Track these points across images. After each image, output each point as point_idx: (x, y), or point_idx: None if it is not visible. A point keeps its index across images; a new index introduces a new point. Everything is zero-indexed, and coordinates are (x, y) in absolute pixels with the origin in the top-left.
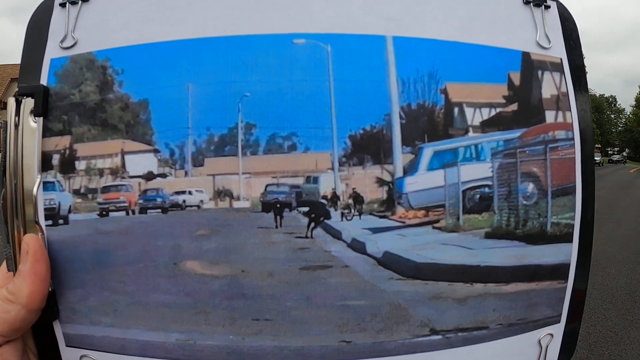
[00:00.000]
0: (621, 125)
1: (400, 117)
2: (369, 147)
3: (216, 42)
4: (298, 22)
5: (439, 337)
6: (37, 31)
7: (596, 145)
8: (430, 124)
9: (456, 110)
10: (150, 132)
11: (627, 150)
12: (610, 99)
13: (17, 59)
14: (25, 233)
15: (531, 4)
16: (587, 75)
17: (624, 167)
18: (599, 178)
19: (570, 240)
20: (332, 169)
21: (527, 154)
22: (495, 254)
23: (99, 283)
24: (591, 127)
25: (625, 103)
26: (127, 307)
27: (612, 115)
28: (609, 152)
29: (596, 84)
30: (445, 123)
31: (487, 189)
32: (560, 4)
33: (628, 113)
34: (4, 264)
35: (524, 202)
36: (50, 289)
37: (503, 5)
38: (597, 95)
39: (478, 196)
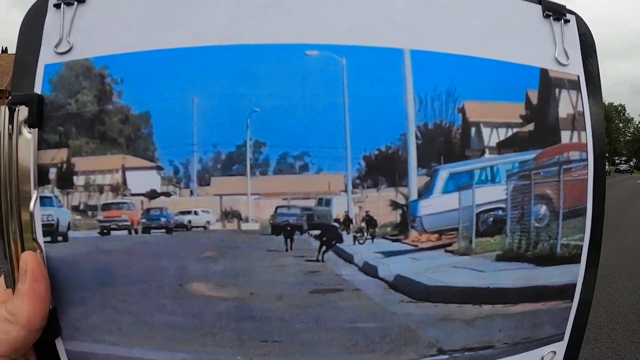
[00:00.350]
0: (629, 134)
1: (417, 137)
2: (383, 169)
3: (223, 51)
4: (311, 32)
5: (446, 356)
6: (30, 34)
7: None
8: (447, 144)
9: (473, 130)
10: (153, 148)
11: (634, 160)
12: (620, 108)
13: None
14: (23, 250)
15: (551, 17)
16: None
17: (631, 177)
18: (606, 187)
19: (578, 262)
20: (346, 191)
21: (542, 176)
22: (505, 276)
23: (101, 301)
24: (604, 147)
25: (634, 112)
26: (131, 326)
27: (621, 125)
28: (616, 161)
29: (605, 92)
30: (462, 144)
31: (500, 212)
32: (579, 18)
33: (637, 122)
34: (2, 278)
35: (536, 225)
36: (51, 307)
37: (523, 19)
38: (606, 103)
39: (491, 219)
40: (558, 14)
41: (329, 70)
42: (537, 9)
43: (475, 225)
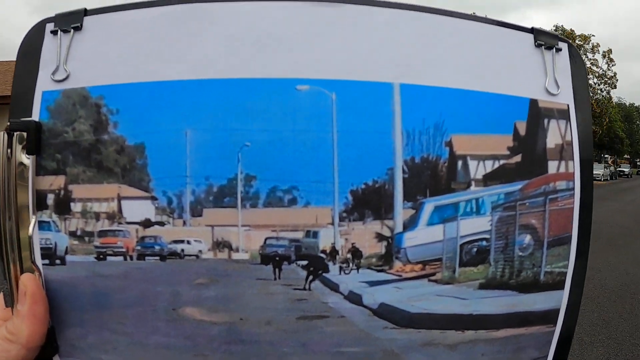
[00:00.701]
0: None
1: (403, 172)
2: (370, 203)
3: (216, 84)
4: (302, 66)
5: None
6: (28, 59)
7: (625, 156)
8: (433, 178)
9: (460, 163)
10: (147, 179)
11: None
12: None
13: None
14: (22, 271)
15: (543, 47)
16: (617, 83)
17: None
18: (627, 191)
19: (562, 287)
20: (332, 224)
21: (527, 206)
22: (488, 303)
23: (98, 322)
24: (592, 175)
25: None
26: (127, 346)
27: None
28: (638, 163)
29: (626, 92)
30: (448, 177)
31: (484, 242)
32: (571, 45)
33: None
34: (1, 297)
35: (520, 254)
36: (49, 326)
37: (514, 49)
38: (627, 104)
39: (475, 249)
40: (550, 43)
41: (318, 105)
42: (529, 38)
43: (459, 255)
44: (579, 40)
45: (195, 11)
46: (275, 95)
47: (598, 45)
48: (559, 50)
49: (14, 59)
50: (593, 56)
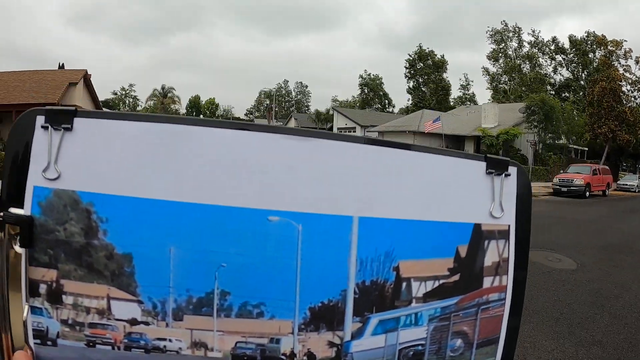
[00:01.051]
0: None
1: (355, 292)
2: (324, 317)
3: (196, 208)
4: (274, 198)
5: None
6: (19, 150)
7: None
8: (380, 297)
9: (404, 284)
10: (135, 285)
11: None
12: None
13: (77, 65)
14: (14, 349)
15: (493, 174)
16: None
17: None
18: None
19: None
20: (292, 333)
21: (461, 317)
22: None
23: None
24: (524, 287)
25: None
26: None
27: None
28: None
29: None
30: (393, 297)
31: (420, 347)
32: (520, 169)
33: None
34: None
35: (451, 354)
36: None
37: (466, 177)
38: None
39: (411, 353)
40: (500, 170)
41: (286, 235)
42: (482, 166)
43: (397, 357)
44: (610, 46)
45: (178, 132)
46: (249, 223)
47: (630, 50)
48: (508, 175)
49: (48, 68)
50: (625, 62)
